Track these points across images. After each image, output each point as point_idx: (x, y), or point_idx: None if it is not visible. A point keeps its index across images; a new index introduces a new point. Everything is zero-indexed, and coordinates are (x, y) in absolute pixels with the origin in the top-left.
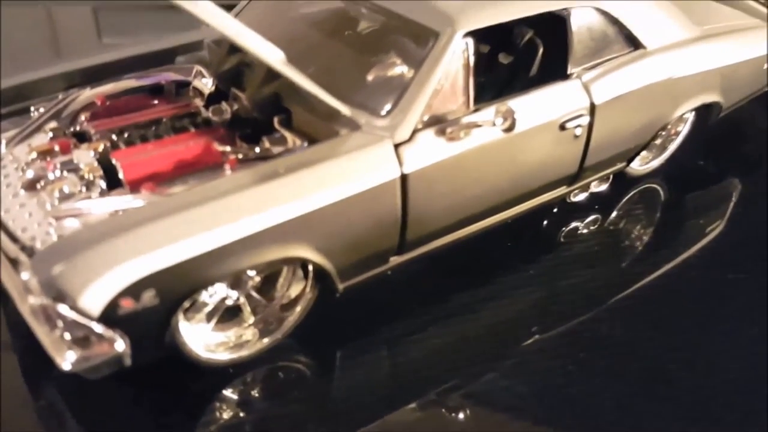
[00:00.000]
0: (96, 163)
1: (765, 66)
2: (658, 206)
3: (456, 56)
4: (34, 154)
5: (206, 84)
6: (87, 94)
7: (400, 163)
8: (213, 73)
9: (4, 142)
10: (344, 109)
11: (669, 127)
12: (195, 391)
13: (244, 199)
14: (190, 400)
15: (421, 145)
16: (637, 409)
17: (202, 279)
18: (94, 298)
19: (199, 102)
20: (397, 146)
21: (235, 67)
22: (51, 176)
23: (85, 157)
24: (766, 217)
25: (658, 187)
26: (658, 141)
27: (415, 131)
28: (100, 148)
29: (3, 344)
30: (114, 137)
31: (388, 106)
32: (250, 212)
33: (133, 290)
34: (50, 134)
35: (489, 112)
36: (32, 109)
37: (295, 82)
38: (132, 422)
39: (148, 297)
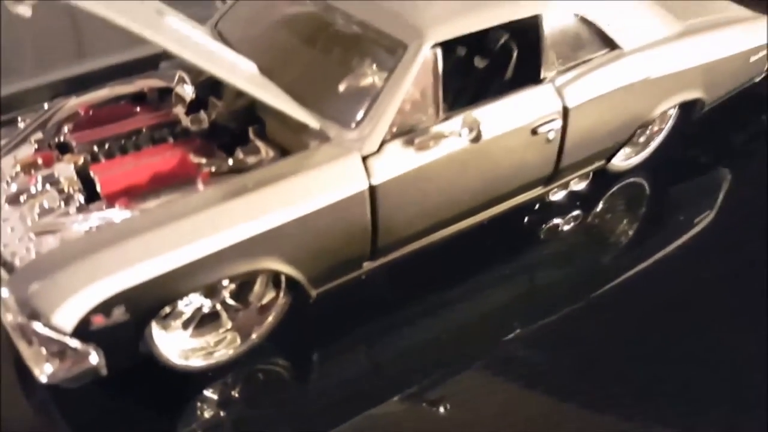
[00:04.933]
0: (75, 177)
1: (751, 59)
2: (641, 201)
3: (425, 67)
4: (18, 167)
5: (188, 91)
6: (71, 103)
7: (369, 175)
8: (194, 81)
9: None
10: (313, 123)
11: (652, 123)
12: (175, 392)
13: (212, 216)
14: (171, 400)
15: (389, 156)
16: (613, 406)
17: (171, 294)
18: (67, 316)
19: (180, 109)
20: (365, 158)
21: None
22: (33, 190)
23: (65, 170)
24: (752, 210)
25: (643, 182)
26: (642, 138)
27: (383, 142)
28: (81, 161)
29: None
30: (95, 149)
31: (357, 118)
32: (217, 229)
33: (104, 307)
34: (35, 146)
35: (457, 122)
36: (19, 119)
37: (260, 99)
38: (115, 423)
39: (119, 313)
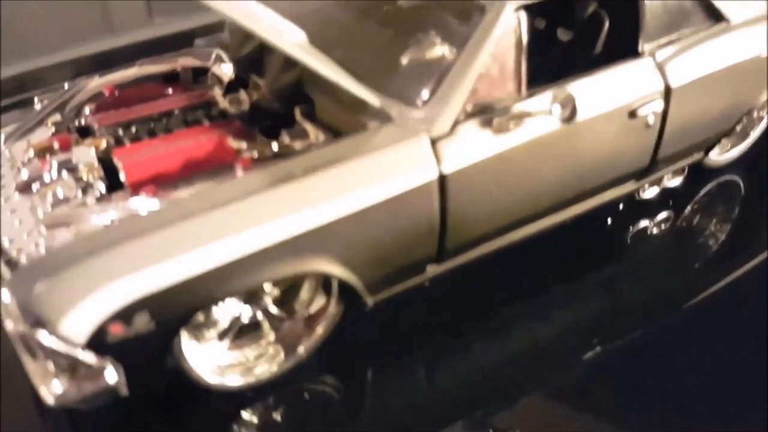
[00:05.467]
0: (96, 163)
1: None
2: (737, 202)
3: (506, 34)
4: (31, 152)
5: (226, 70)
6: (95, 83)
7: (439, 162)
8: (233, 58)
9: (3, 137)
10: (372, 99)
11: (752, 110)
12: (209, 414)
13: (253, 207)
14: (204, 424)
15: (463, 140)
16: None
17: (204, 300)
18: (78, 324)
19: (218, 90)
20: (434, 141)
21: (255, 51)
22: (47, 177)
23: (84, 155)
24: None
25: (739, 180)
26: (739, 127)
27: (456, 123)
28: (103, 144)
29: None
30: (119, 132)
31: (425, 95)
32: (258, 223)
33: (123, 315)
34: (52, 129)
35: (544, 99)
36: (36, 100)
37: (312, 68)
38: None
39: (142, 321)
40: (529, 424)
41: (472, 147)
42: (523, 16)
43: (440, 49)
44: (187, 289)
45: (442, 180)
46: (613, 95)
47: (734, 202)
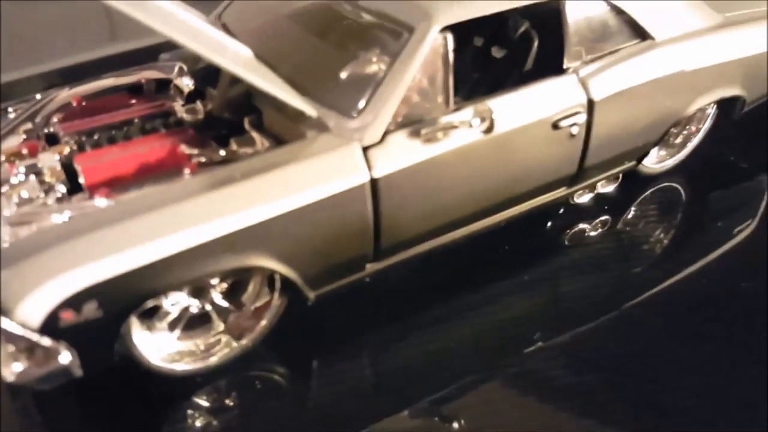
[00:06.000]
0: (59, 167)
1: None
2: (676, 207)
3: (433, 52)
4: (2, 157)
5: (187, 82)
6: (64, 94)
7: (370, 167)
8: (191, 70)
9: None
10: (309, 111)
11: (689, 123)
12: (164, 398)
13: (194, 207)
14: (159, 407)
15: (392, 148)
16: (640, 425)
17: (148, 291)
18: (32, 310)
19: (178, 101)
20: (366, 149)
21: (210, 65)
22: (14, 180)
23: (48, 160)
24: None
25: (679, 187)
26: (678, 139)
27: (387, 133)
28: (66, 151)
29: None
30: (83, 139)
31: (359, 107)
32: (198, 221)
33: (73, 302)
34: (23, 136)
35: (468, 112)
36: (10, 110)
37: (250, 82)
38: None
39: (90, 309)
40: (474, 411)
41: (401, 154)
42: (449, 36)
43: (375, 66)
44: (130, 280)
45: (374, 183)
46: (536, 108)
47: (675, 206)
